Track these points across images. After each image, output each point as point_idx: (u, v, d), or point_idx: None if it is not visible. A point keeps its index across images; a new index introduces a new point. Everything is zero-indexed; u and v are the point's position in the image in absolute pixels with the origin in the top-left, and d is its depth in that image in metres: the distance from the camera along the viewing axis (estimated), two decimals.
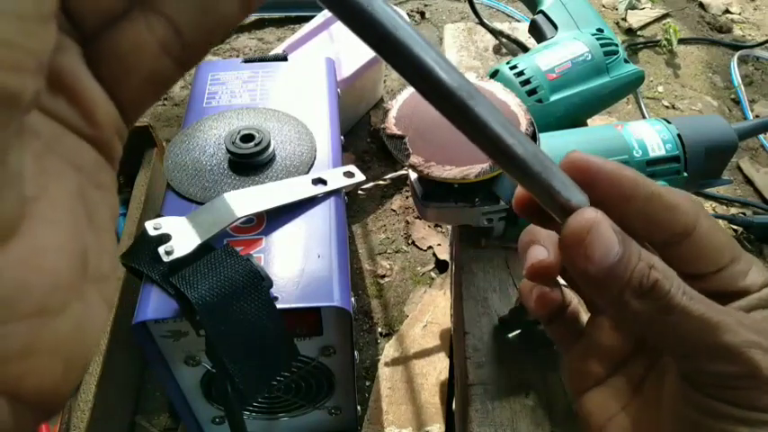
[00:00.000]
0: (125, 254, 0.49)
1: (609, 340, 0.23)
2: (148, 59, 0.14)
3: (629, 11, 1.30)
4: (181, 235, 0.47)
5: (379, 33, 0.15)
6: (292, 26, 1.28)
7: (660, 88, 1.15)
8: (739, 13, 1.34)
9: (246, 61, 0.71)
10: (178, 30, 0.14)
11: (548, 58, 0.56)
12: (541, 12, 0.64)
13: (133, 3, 0.14)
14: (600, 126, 0.54)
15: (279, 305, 0.46)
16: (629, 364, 0.23)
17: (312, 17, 1.04)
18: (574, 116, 0.57)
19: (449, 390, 0.71)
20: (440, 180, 0.44)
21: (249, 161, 0.56)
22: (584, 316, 0.26)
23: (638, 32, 1.28)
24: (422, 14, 1.35)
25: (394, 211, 0.96)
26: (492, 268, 0.53)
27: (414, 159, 0.44)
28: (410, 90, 0.49)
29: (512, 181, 0.19)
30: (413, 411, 0.70)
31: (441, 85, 0.16)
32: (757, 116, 1.07)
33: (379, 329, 0.81)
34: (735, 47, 1.22)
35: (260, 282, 0.45)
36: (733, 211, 0.92)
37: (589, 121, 0.61)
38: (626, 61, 0.59)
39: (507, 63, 0.57)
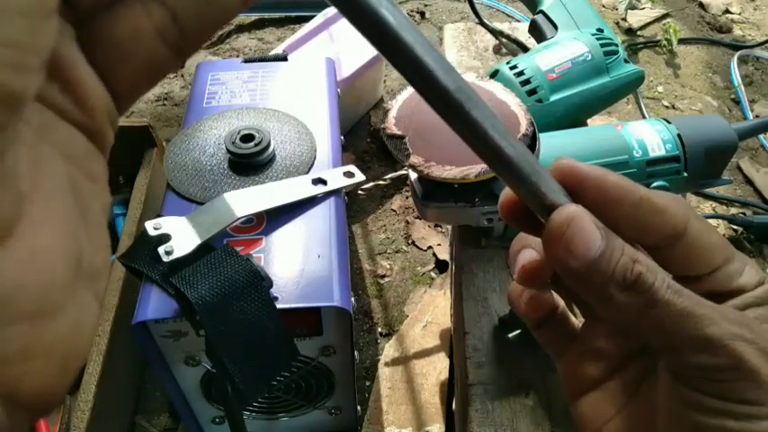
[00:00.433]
0: (125, 254, 0.49)
1: (604, 344, 0.23)
2: (145, 46, 0.14)
3: (629, 11, 1.30)
4: (181, 235, 0.47)
5: (384, 33, 0.15)
6: (292, 26, 1.28)
7: (660, 88, 1.15)
8: (739, 13, 1.34)
9: (246, 61, 0.71)
10: (176, 17, 0.14)
11: (548, 58, 0.56)
12: (541, 12, 0.64)
13: None
14: (600, 126, 0.54)
15: (279, 305, 0.46)
16: (624, 367, 0.23)
17: (312, 17, 1.04)
18: (574, 116, 0.57)
19: (449, 390, 0.71)
20: (440, 180, 0.44)
21: (249, 161, 0.56)
22: (574, 319, 0.26)
23: (638, 32, 1.28)
24: (422, 14, 1.35)
25: (394, 211, 0.96)
26: (492, 268, 0.53)
27: (414, 159, 0.44)
28: (410, 90, 0.49)
29: (502, 182, 0.20)
30: (413, 411, 0.69)
31: (439, 87, 0.16)
32: (757, 116, 1.07)
33: (379, 329, 0.81)
34: (735, 47, 1.22)
35: (260, 282, 0.45)
36: (733, 211, 0.92)
37: (589, 121, 0.61)
38: (626, 61, 0.59)
39: (507, 63, 0.57)
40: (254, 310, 0.45)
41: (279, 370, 0.49)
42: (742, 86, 1.12)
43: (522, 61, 0.56)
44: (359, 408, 0.65)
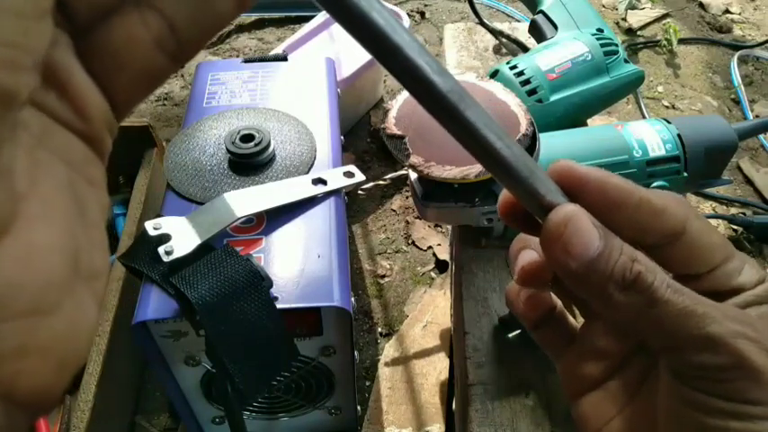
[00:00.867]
0: (125, 254, 0.49)
1: (604, 344, 0.23)
2: (142, 55, 0.14)
3: (629, 11, 1.30)
4: (181, 235, 0.47)
5: (375, 36, 0.15)
6: (292, 26, 1.28)
7: (660, 88, 1.15)
8: (739, 13, 1.34)
9: (246, 61, 0.71)
10: (173, 25, 0.14)
11: (548, 58, 0.56)
12: (541, 12, 0.64)
13: None
14: (600, 126, 0.54)
15: (279, 305, 0.46)
16: (625, 367, 0.23)
17: (312, 17, 1.04)
18: (574, 116, 0.57)
19: (449, 390, 0.71)
20: (440, 180, 0.44)
21: (249, 161, 0.56)
22: (572, 320, 0.25)
23: (638, 32, 1.28)
24: (422, 14, 1.35)
25: (394, 211, 0.96)
26: (492, 268, 0.53)
27: (414, 159, 0.44)
28: None
29: (499, 184, 0.19)
30: (413, 411, 0.69)
31: (432, 89, 0.16)
32: (757, 116, 1.07)
33: (379, 329, 0.81)
34: (735, 47, 1.22)
35: (260, 282, 0.45)
36: (733, 211, 0.92)
37: (589, 121, 0.61)
38: (626, 61, 0.59)
39: (507, 63, 0.57)
40: (254, 310, 0.45)
41: (279, 370, 0.49)
42: (742, 86, 1.12)
43: (522, 61, 0.56)
44: (359, 408, 0.65)
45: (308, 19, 1.06)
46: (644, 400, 0.22)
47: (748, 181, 0.97)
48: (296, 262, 0.49)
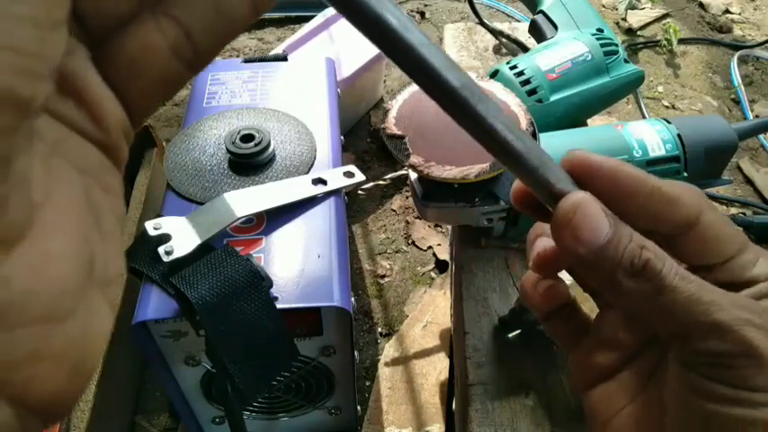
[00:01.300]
0: (125, 254, 0.49)
1: (618, 334, 0.23)
2: (159, 63, 0.14)
3: (629, 11, 1.30)
4: (181, 235, 0.47)
5: (387, 35, 0.16)
6: (292, 26, 1.28)
7: (660, 88, 1.15)
8: (739, 13, 1.34)
9: (246, 61, 0.71)
10: (189, 33, 0.14)
11: (548, 58, 0.56)
12: (541, 12, 0.64)
13: (143, 6, 0.14)
14: (600, 126, 0.54)
15: (279, 305, 0.46)
16: (637, 359, 0.23)
17: (312, 17, 1.04)
18: (574, 116, 0.57)
19: (449, 390, 0.71)
20: (440, 180, 0.44)
21: (249, 161, 0.56)
22: (585, 311, 0.25)
23: (638, 32, 1.28)
24: (422, 14, 1.35)
25: (394, 211, 0.96)
26: (492, 268, 0.53)
27: (414, 159, 0.44)
28: (410, 90, 0.49)
29: (512, 174, 0.20)
30: (413, 411, 0.70)
31: (445, 85, 0.17)
32: (757, 116, 1.07)
33: (379, 329, 0.81)
34: (735, 47, 1.22)
35: (260, 282, 0.45)
36: (733, 211, 0.92)
37: (589, 121, 0.61)
38: (626, 61, 0.59)
39: (507, 63, 0.57)
40: (254, 310, 0.45)
41: (279, 370, 0.49)
42: (742, 86, 1.12)
43: (522, 61, 0.56)
44: (359, 408, 0.65)
45: (308, 19, 1.06)
46: (654, 391, 0.22)
47: (748, 181, 0.97)
48: (296, 262, 0.49)
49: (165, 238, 0.47)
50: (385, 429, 0.68)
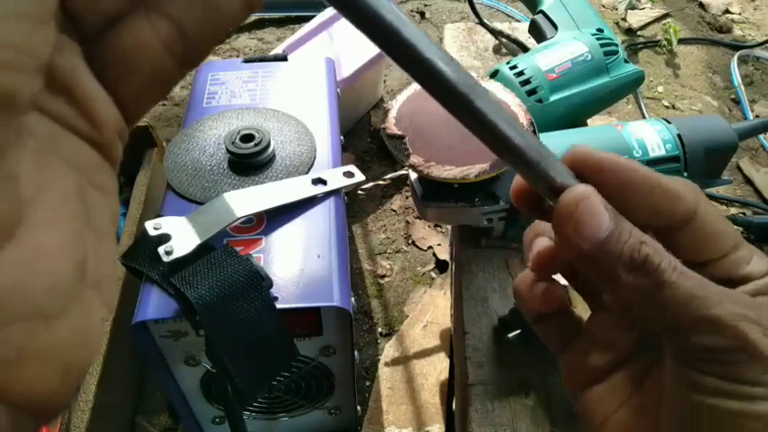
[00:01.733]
0: (125, 254, 0.49)
1: (611, 336, 0.23)
2: (151, 59, 0.14)
3: (629, 11, 1.30)
4: (181, 235, 0.47)
5: (385, 32, 0.16)
6: (292, 26, 1.28)
7: (660, 88, 1.15)
8: (739, 13, 1.34)
9: (246, 61, 0.71)
10: (182, 29, 0.14)
11: (548, 58, 0.56)
12: (541, 12, 0.64)
13: (135, 2, 0.14)
14: (600, 126, 0.54)
15: (279, 305, 0.46)
16: (630, 360, 0.23)
17: (312, 17, 1.04)
18: (574, 116, 0.57)
19: (449, 390, 0.71)
20: (440, 180, 0.44)
21: (249, 161, 0.56)
22: (577, 313, 0.25)
23: (638, 32, 1.28)
24: (422, 14, 1.35)
25: (394, 211, 0.96)
26: (492, 268, 0.53)
27: (414, 159, 0.44)
28: (410, 90, 0.49)
29: (513, 171, 0.20)
30: (413, 411, 0.69)
31: (444, 81, 0.17)
32: (757, 116, 1.07)
33: (379, 329, 0.81)
34: (735, 47, 1.22)
35: (260, 282, 0.45)
36: (733, 211, 0.92)
37: (589, 121, 0.61)
38: (626, 61, 0.59)
39: (507, 63, 0.57)
40: (254, 310, 0.45)
41: (279, 370, 0.49)
42: (742, 86, 1.12)
43: (522, 61, 0.56)
44: (359, 408, 0.65)
45: (308, 19, 1.06)
46: (649, 391, 0.22)
47: (748, 181, 0.97)
48: (296, 262, 0.49)
49: (164, 238, 0.47)
50: (385, 429, 0.68)
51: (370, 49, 0.96)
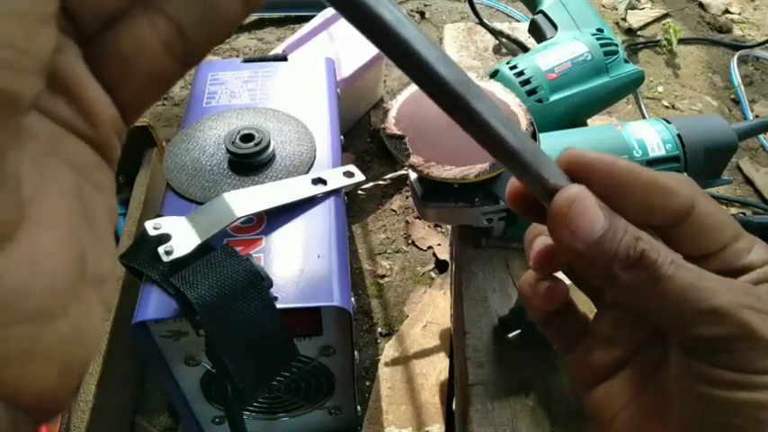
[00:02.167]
0: (125, 254, 0.49)
1: (617, 334, 0.23)
2: (151, 59, 0.14)
3: (629, 11, 1.30)
4: (181, 235, 0.47)
5: (382, 30, 0.16)
6: (292, 26, 1.28)
7: (660, 88, 1.15)
8: (739, 13, 1.34)
9: (246, 61, 0.71)
10: (181, 29, 0.14)
11: (548, 58, 0.56)
12: (541, 12, 0.64)
13: (135, 2, 0.14)
14: (600, 126, 0.54)
15: (279, 305, 0.46)
16: (637, 356, 0.23)
17: (312, 17, 1.04)
18: (574, 116, 0.57)
19: (449, 390, 0.71)
20: (440, 180, 0.44)
21: (249, 161, 0.56)
22: (582, 311, 0.25)
23: (638, 32, 1.28)
24: (422, 14, 1.35)
25: (394, 211, 0.96)
26: (492, 268, 0.53)
27: (414, 159, 0.44)
28: (410, 90, 0.49)
29: (506, 171, 0.20)
30: (413, 411, 0.70)
31: (439, 80, 0.17)
32: (757, 116, 1.07)
33: (379, 329, 0.81)
34: (735, 47, 1.22)
35: (260, 282, 0.45)
36: (733, 211, 0.92)
37: (589, 121, 0.61)
38: (626, 61, 0.59)
39: (507, 63, 0.57)
40: (254, 310, 0.45)
41: (279, 370, 0.49)
42: (742, 86, 1.12)
43: (522, 61, 0.56)
44: (359, 408, 0.65)
45: (307, 19, 1.06)
46: (657, 386, 0.22)
47: (748, 181, 0.97)
48: (296, 262, 0.49)
49: (164, 238, 0.47)
50: (385, 429, 0.68)
51: (370, 49, 0.96)
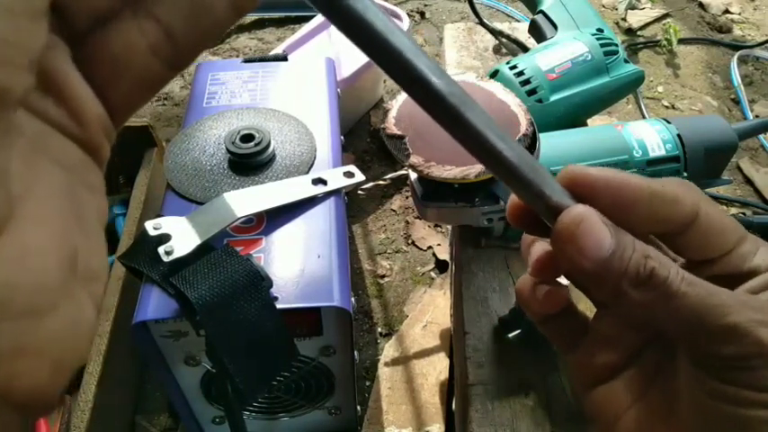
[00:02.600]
0: (125, 254, 0.49)
1: (619, 334, 0.23)
2: (139, 62, 0.14)
3: (629, 11, 1.30)
4: (181, 235, 0.47)
5: (373, 40, 0.15)
6: (292, 26, 1.28)
7: (660, 88, 1.15)
8: (739, 13, 1.34)
9: (246, 61, 0.71)
10: (170, 33, 0.14)
11: (548, 58, 0.56)
12: (541, 12, 0.64)
13: (124, 4, 0.14)
14: (600, 126, 0.54)
15: (279, 305, 0.46)
16: (640, 357, 0.23)
17: (312, 17, 1.04)
18: (574, 116, 0.57)
19: (449, 390, 0.71)
20: (440, 180, 0.44)
21: (249, 161, 0.56)
22: (582, 311, 0.25)
23: (638, 32, 1.28)
24: (422, 14, 1.35)
25: (394, 211, 0.96)
26: (492, 268, 0.53)
27: (414, 159, 0.44)
28: None
29: (504, 186, 0.19)
30: (413, 411, 0.70)
31: (432, 91, 0.16)
32: (757, 116, 1.07)
33: (379, 329, 0.81)
34: (735, 47, 1.22)
35: (260, 282, 0.45)
36: (733, 211, 0.92)
37: (589, 121, 0.61)
38: (626, 61, 0.59)
39: (507, 63, 0.57)
40: (254, 309, 0.45)
41: (279, 370, 0.49)
42: (742, 86, 1.12)
43: (522, 61, 0.56)
44: (359, 408, 0.65)
45: (308, 19, 1.06)
46: (661, 390, 0.22)
47: (748, 181, 0.97)
48: (296, 262, 0.49)
49: (165, 238, 0.47)
50: (385, 429, 0.68)
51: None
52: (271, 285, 0.46)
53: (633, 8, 1.31)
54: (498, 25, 0.84)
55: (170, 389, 0.55)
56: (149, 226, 0.47)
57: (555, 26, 0.62)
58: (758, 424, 0.18)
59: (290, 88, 0.68)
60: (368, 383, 0.73)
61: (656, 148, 0.50)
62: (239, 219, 0.50)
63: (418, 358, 0.75)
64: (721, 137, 0.52)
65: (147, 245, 0.48)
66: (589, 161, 0.49)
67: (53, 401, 0.13)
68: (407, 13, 1.29)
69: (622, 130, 0.51)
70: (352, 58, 0.96)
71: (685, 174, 0.50)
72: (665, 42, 1.21)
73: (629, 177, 0.20)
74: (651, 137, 0.50)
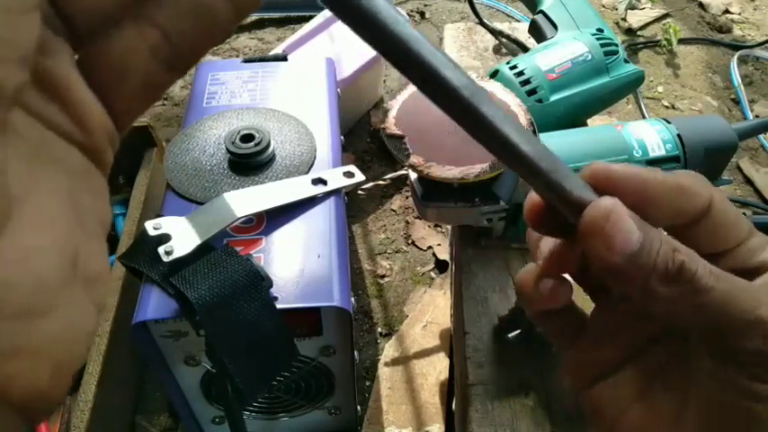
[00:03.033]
0: (125, 254, 0.49)
1: (616, 331, 0.23)
2: (141, 67, 0.14)
3: (629, 11, 1.30)
4: (181, 235, 0.47)
5: (383, 34, 0.15)
6: (292, 26, 1.28)
7: (660, 88, 1.15)
8: (739, 13, 1.34)
9: (246, 61, 0.71)
10: (171, 38, 0.14)
11: (548, 58, 0.56)
12: (541, 12, 0.64)
13: (126, 9, 0.14)
14: (600, 126, 0.54)
15: (279, 305, 0.46)
16: (642, 355, 0.23)
17: (312, 17, 1.04)
18: (574, 116, 0.57)
19: (449, 390, 0.71)
20: (440, 180, 0.44)
21: (249, 161, 0.56)
22: (580, 307, 0.25)
23: (638, 32, 1.28)
24: (422, 14, 1.35)
25: (394, 211, 0.96)
26: (492, 268, 0.53)
27: (414, 159, 0.44)
28: (410, 90, 0.49)
29: (527, 184, 0.19)
30: (413, 411, 0.70)
31: (445, 85, 0.16)
32: (757, 116, 1.07)
33: (379, 329, 0.81)
34: (735, 47, 1.22)
35: (260, 282, 0.45)
36: None
37: (589, 121, 0.61)
38: (626, 61, 0.59)
39: (507, 63, 0.57)
40: (254, 310, 0.45)
41: (279, 370, 0.49)
42: (742, 86, 1.12)
43: (522, 61, 0.56)
44: (359, 408, 0.65)
45: (308, 19, 1.06)
46: (667, 386, 0.22)
47: (748, 181, 0.97)
48: (296, 262, 0.49)
49: (165, 238, 0.47)
50: (385, 429, 0.68)
51: (370, 49, 0.96)
52: (271, 285, 0.46)
53: (633, 8, 1.31)
54: (498, 25, 0.84)
55: (170, 389, 0.55)
56: (149, 226, 0.47)
57: (555, 26, 0.62)
58: None
59: (289, 88, 0.68)
60: (368, 383, 0.73)
61: (656, 148, 0.50)
62: (239, 219, 0.50)
63: (418, 358, 0.75)
64: (721, 137, 0.51)
65: (147, 245, 0.48)
66: (589, 161, 0.49)
67: (55, 403, 0.13)
68: (407, 13, 1.30)
69: (622, 130, 0.51)
70: (352, 58, 0.96)
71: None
72: (664, 42, 1.21)
73: (652, 172, 0.20)
74: (651, 137, 0.50)
